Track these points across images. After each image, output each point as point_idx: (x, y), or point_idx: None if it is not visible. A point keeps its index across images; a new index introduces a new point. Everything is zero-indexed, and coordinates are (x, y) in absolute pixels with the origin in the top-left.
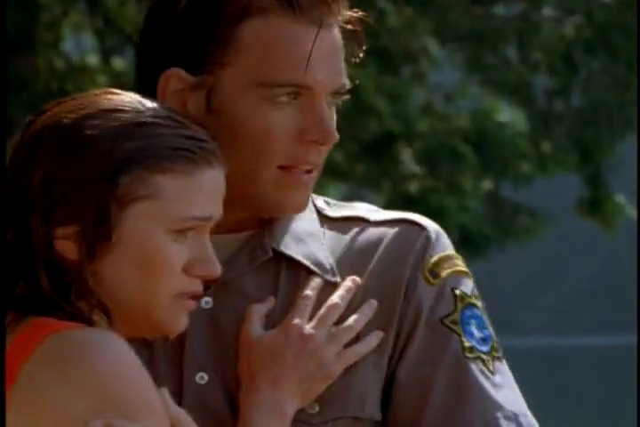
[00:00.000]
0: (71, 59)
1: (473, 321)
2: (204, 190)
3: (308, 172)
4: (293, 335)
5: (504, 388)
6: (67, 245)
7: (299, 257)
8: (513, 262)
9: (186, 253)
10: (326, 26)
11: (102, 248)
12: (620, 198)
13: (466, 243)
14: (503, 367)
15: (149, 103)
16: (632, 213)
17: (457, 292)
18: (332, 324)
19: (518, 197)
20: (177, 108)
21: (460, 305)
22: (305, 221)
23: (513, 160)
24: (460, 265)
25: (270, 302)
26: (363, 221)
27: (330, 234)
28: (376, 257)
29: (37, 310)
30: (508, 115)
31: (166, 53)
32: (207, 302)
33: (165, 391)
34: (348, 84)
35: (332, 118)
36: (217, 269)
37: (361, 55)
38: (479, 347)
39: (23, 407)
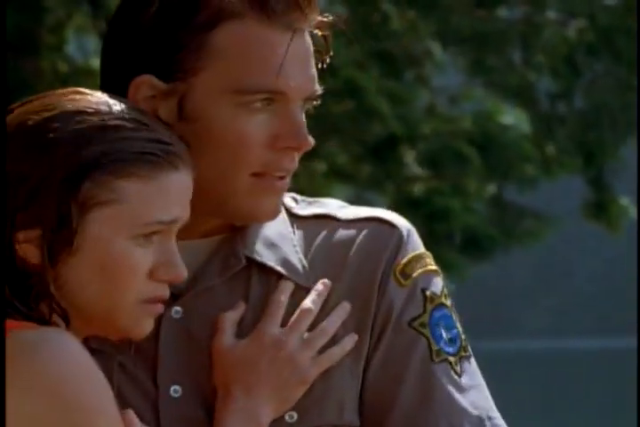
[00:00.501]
0: (75, 61)
1: (442, 322)
2: (169, 194)
3: (282, 178)
4: (267, 342)
5: (471, 390)
6: (28, 249)
7: (271, 263)
8: (517, 264)
9: (151, 257)
10: (299, 31)
11: (64, 253)
12: (624, 201)
13: (471, 245)
14: (471, 367)
15: (115, 105)
16: (635, 214)
17: (427, 293)
18: (306, 329)
19: (522, 200)
20: None
21: (429, 306)
22: (276, 223)
23: (517, 163)
24: (431, 264)
25: (241, 309)
26: (333, 220)
27: (300, 234)
28: (348, 259)
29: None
30: (512, 117)
31: (136, 60)
32: (177, 311)
33: (131, 413)
34: (319, 89)
35: (305, 124)
36: (183, 273)
37: (365, 58)
38: (447, 349)
39: None
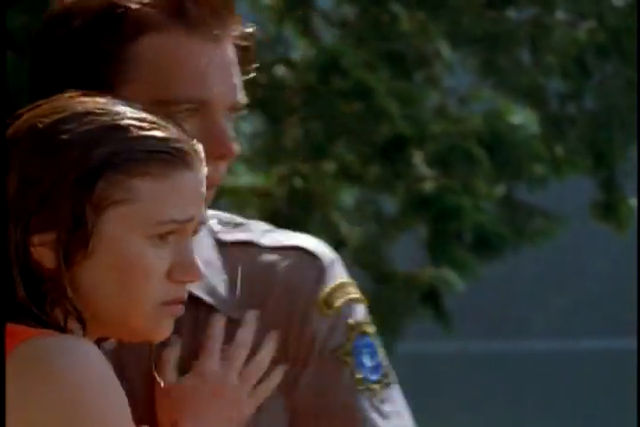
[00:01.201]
0: None
1: (365, 350)
2: (182, 192)
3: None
4: (209, 379)
5: (392, 417)
6: (43, 253)
7: (201, 294)
8: (527, 264)
9: (167, 257)
10: (220, 41)
11: (79, 255)
12: (634, 201)
13: (481, 244)
14: (393, 394)
15: (124, 106)
16: None
17: (350, 321)
18: (242, 363)
19: (532, 199)
20: None
21: (352, 335)
22: (203, 249)
23: (527, 163)
24: (354, 292)
25: (176, 344)
26: (256, 247)
27: (225, 261)
28: (270, 288)
29: (13, 317)
30: (522, 117)
31: (62, 74)
32: (111, 342)
33: None
34: (244, 100)
35: (233, 133)
36: (198, 274)
37: (374, 59)
38: (370, 377)
39: None
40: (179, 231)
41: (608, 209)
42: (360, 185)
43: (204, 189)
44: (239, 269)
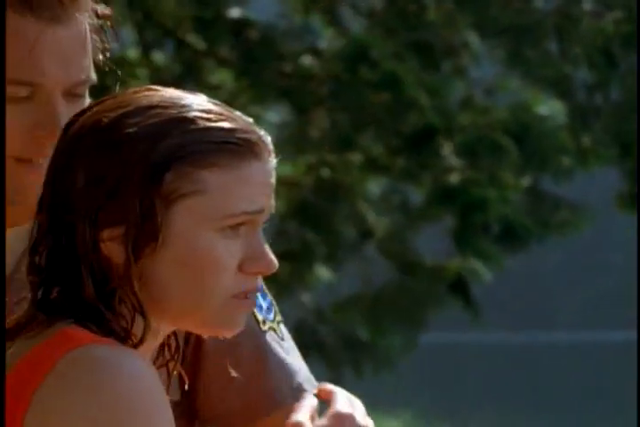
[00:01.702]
0: (111, 52)
1: (258, 293)
2: (252, 183)
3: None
4: (346, 422)
5: (291, 352)
6: (113, 248)
7: None
8: (552, 256)
9: (239, 249)
10: (61, 22)
11: (149, 249)
12: None
13: (507, 235)
14: (285, 329)
15: (190, 98)
16: None
17: None
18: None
19: (558, 191)
20: None
21: None
22: None
23: (553, 153)
24: None
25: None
26: None
27: None
28: None
29: (73, 316)
30: (548, 108)
31: None
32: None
33: None
34: (90, 76)
35: (67, 115)
36: (273, 265)
37: (402, 50)
38: (268, 316)
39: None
40: (249, 223)
41: (633, 200)
42: (387, 176)
43: (273, 180)
44: None
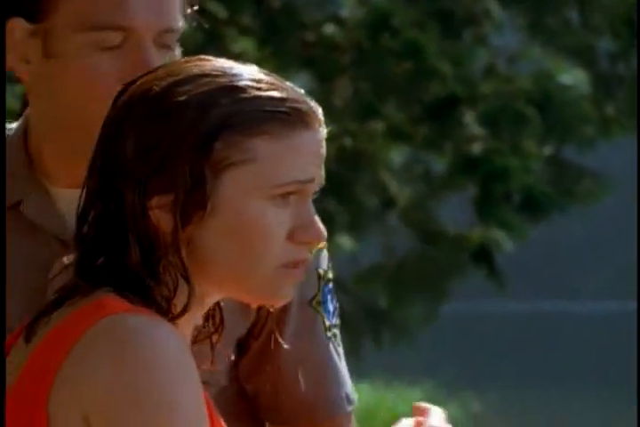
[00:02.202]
0: None
1: (329, 296)
2: (303, 152)
3: None
4: None
5: (342, 358)
6: (161, 216)
7: None
8: (575, 225)
9: (288, 219)
10: None
11: (197, 217)
12: None
13: (530, 205)
14: (339, 334)
15: (241, 67)
16: None
17: (319, 270)
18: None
19: (580, 160)
20: (19, 58)
21: (321, 284)
22: None
23: (576, 123)
24: None
25: None
26: None
27: None
28: None
29: (115, 284)
30: (571, 77)
31: (7, 4)
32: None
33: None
34: (179, 25)
35: (159, 60)
36: (322, 235)
37: (424, 18)
38: (333, 321)
39: (68, 385)
40: (299, 192)
41: None
42: (409, 145)
43: (323, 150)
44: None
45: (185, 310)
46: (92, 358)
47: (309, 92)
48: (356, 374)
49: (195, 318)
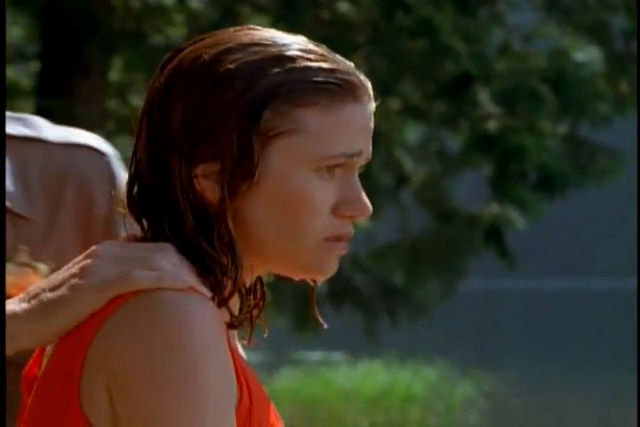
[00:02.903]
0: None
1: None
2: (351, 125)
3: None
4: None
5: None
6: (207, 184)
7: None
8: (590, 203)
9: (334, 192)
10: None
11: (244, 186)
12: None
13: (545, 183)
14: None
15: (291, 37)
16: None
17: None
18: None
19: (595, 137)
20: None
21: None
22: None
23: (591, 100)
24: None
25: None
26: (44, 143)
27: (13, 157)
28: (65, 188)
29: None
30: (586, 55)
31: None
32: None
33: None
34: None
35: None
36: (368, 210)
37: None
38: None
39: (97, 354)
40: (345, 165)
41: None
42: (424, 122)
43: (372, 124)
44: (30, 166)
45: (237, 282)
46: (124, 329)
47: None
48: (371, 352)
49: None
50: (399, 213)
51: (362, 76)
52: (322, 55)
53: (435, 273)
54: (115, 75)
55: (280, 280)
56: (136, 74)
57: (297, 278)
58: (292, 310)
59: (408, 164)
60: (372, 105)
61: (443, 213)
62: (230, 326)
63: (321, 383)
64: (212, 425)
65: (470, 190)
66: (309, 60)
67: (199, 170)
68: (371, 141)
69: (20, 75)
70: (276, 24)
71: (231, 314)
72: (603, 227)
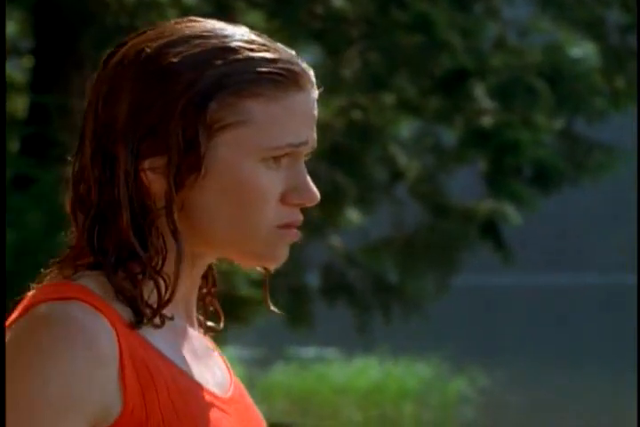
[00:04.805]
0: None
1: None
2: (296, 114)
3: None
4: None
5: None
6: (154, 178)
7: None
8: (587, 198)
9: (281, 181)
10: None
11: (191, 179)
12: None
13: (540, 178)
14: None
15: (233, 28)
16: None
17: None
18: None
19: (594, 132)
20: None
21: None
22: None
23: (586, 95)
24: None
25: None
26: None
27: None
28: None
29: (101, 251)
30: (582, 50)
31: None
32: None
33: None
34: None
35: None
36: (315, 196)
37: None
38: None
39: None
40: (292, 154)
41: None
42: (419, 117)
43: (315, 112)
44: None
45: (177, 272)
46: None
47: (318, 65)
48: (365, 348)
49: (191, 278)
50: (394, 208)
51: (304, 64)
52: (264, 45)
53: (429, 269)
54: None
55: (273, 277)
56: None
57: (248, 266)
58: (285, 307)
59: (403, 159)
60: (316, 92)
61: (437, 209)
62: (136, 324)
63: (315, 379)
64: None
65: (465, 185)
66: (252, 50)
67: (146, 164)
68: (315, 129)
69: (14, 70)
70: (270, 19)
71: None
72: (600, 222)
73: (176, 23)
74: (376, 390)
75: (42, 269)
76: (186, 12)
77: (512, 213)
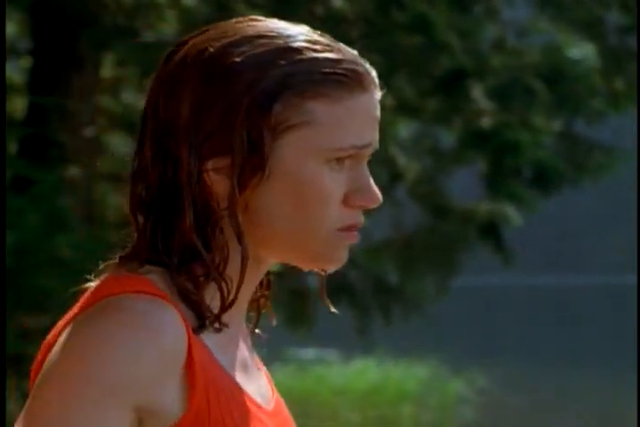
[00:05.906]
0: None
1: None
2: (359, 116)
3: None
4: None
5: None
6: (217, 179)
7: None
8: (586, 199)
9: (344, 183)
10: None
11: (255, 180)
12: None
13: (540, 179)
14: None
15: (296, 28)
16: None
17: None
18: None
19: (594, 133)
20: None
21: None
22: None
23: (585, 96)
24: None
25: None
26: None
27: None
28: None
29: (166, 250)
30: (581, 51)
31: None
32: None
33: None
34: None
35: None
36: (378, 199)
37: None
38: None
39: None
40: (355, 156)
41: None
42: (418, 118)
43: (378, 113)
44: None
45: (242, 273)
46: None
47: None
48: (364, 350)
49: (253, 283)
50: (393, 209)
51: (367, 65)
52: (327, 45)
53: (429, 270)
54: (107, 71)
55: (274, 277)
56: (128, 70)
57: (307, 269)
58: (286, 307)
59: (402, 160)
60: (379, 93)
61: (437, 210)
62: (198, 327)
63: (314, 380)
64: (81, 410)
65: (465, 186)
66: (315, 50)
67: (210, 164)
68: (378, 129)
69: (12, 71)
70: None
71: (204, 316)
72: (599, 223)
73: (237, 22)
74: (375, 391)
75: (100, 264)
76: (185, 13)
77: (512, 214)
